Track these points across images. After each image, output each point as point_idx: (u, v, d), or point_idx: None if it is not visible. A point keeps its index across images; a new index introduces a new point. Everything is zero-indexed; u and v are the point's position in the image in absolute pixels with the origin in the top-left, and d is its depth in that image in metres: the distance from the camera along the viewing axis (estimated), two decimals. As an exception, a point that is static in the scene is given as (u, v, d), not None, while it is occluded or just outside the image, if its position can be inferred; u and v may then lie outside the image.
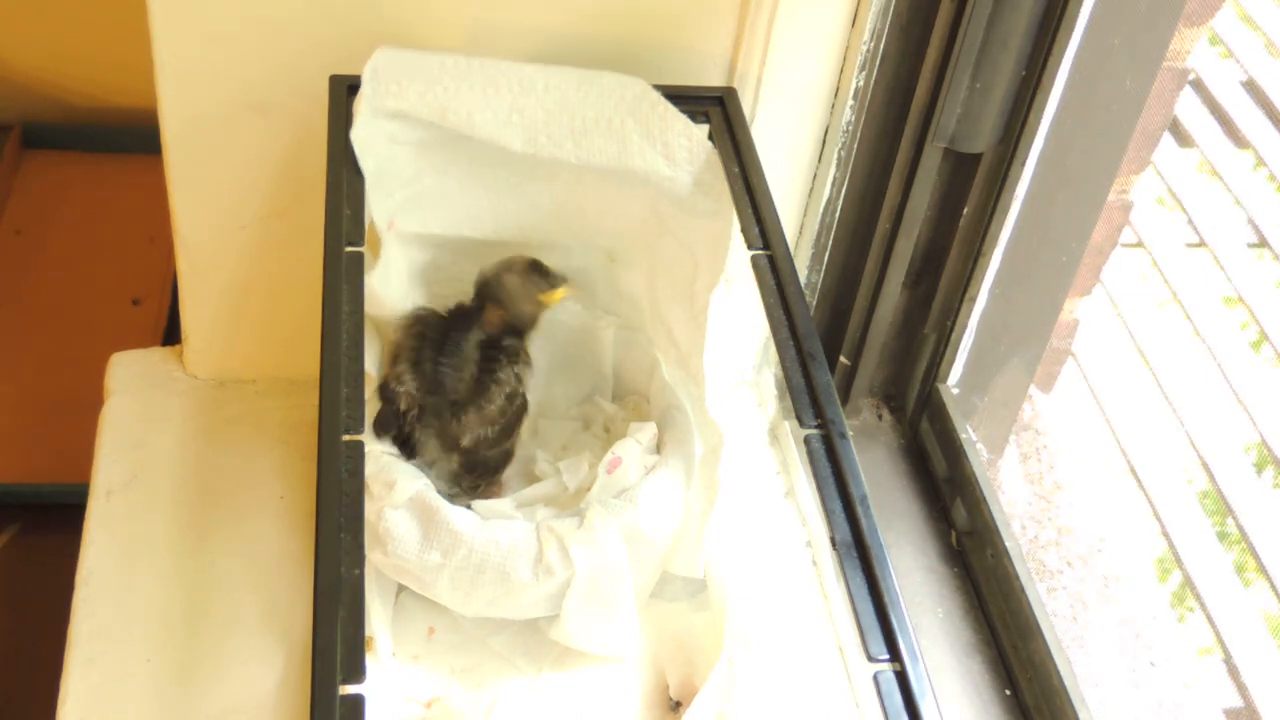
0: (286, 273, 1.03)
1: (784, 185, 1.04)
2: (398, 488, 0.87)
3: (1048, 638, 0.94)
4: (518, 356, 0.94)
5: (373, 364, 0.92)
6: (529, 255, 0.95)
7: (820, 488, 0.75)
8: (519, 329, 0.94)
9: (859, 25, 0.95)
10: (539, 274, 0.94)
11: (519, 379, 0.93)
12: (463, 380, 0.91)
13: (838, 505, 0.74)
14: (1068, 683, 0.91)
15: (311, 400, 0.75)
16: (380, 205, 0.91)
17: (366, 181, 0.85)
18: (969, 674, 0.97)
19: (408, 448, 0.91)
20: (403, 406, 0.90)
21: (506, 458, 0.95)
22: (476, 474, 0.92)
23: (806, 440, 0.77)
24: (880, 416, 1.17)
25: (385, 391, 0.91)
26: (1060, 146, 1.00)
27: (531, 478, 1.00)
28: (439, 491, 0.89)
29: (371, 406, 0.91)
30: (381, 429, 0.90)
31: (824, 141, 1.02)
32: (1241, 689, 1.42)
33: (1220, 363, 1.76)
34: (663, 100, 0.91)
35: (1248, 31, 2.17)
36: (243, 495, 1.02)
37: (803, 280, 1.09)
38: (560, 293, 0.94)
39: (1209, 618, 1.50)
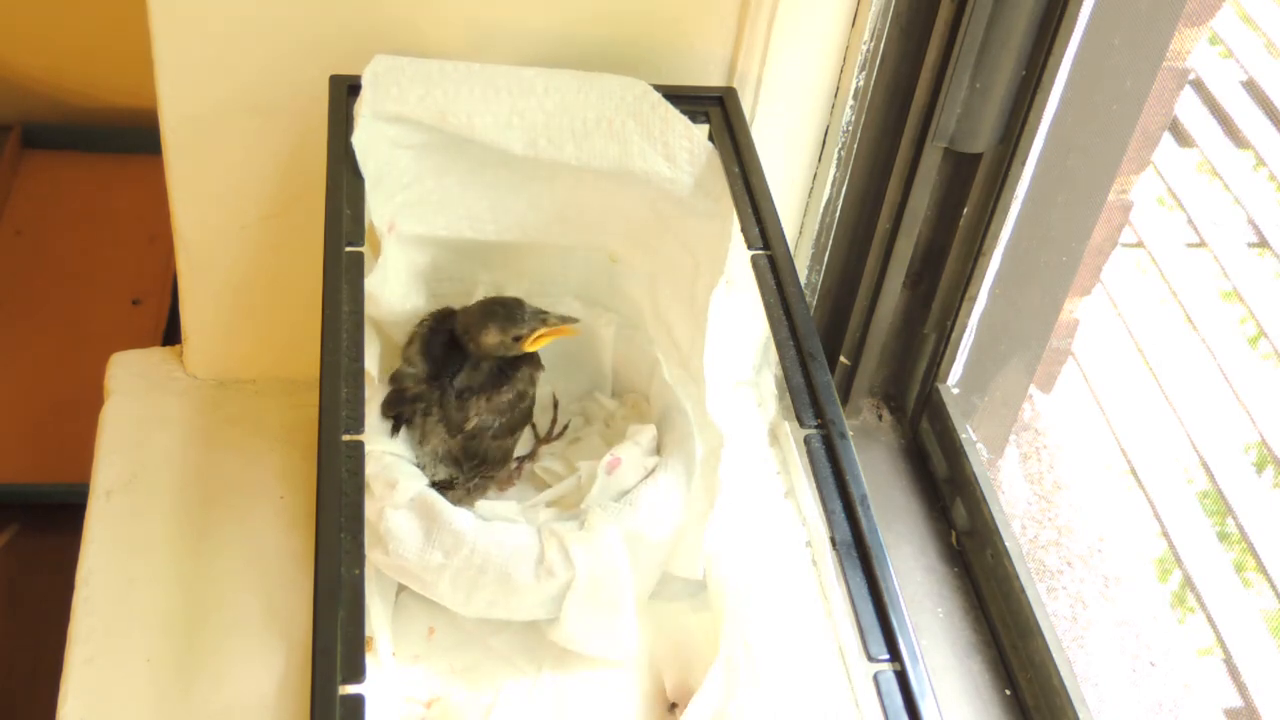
0: (286, 273, 1.03)
1: (784, 185, 1.04)
2: (400, 488, 0.87)
3: (1048, 638, 0.94)
4: (536, 362, 0.95)
5: (373, 364, 0.92)
6: (505, 296, 0.93)
7: (820, 488, 0.75)
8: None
9: (859, 25, 0.95)
10: (514, 324, 0.91)
11: (531, 381, 0.94)
12: (480, 369, 0.92)
13: (838, 505, 0.74)
14: (1068, 683, 0.91)
15: (311, 400, 0.75)
16: (380, 208, 0.91)
17: (367, 185, 0.85)
18: (969, 674, 0.97)
19: (404, 428, 0.91)
20: (408, 385, 0.91)
21: (505, 456, 0.95)
22: (475, 462, 0.92)
23: (806, 440, 0.77)
24: (880, 416, 1.17)
25: (396, 375, 0.92)
26: (1060, 146, 1.00)
27: (533, 479, 1.00)
28: (434, 478, 0.90)
29: (373, 406, 0.91)
30: (387, 408, 0.91)
31: (824, 141, 1.02)
32: (1241, 689, 1.42)
33: (1220, 363, 1.76)
34: (663, 101, 0.91)
35: (1248, 31, 2.17)
36: (243, 495, 1.02)
37: (803, 280, 1.09)
38: (539, 339, 0.92)
39: (1209, 618, 1.50)
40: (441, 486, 0.91)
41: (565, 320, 0.93)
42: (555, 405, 1.05)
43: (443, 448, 0.91)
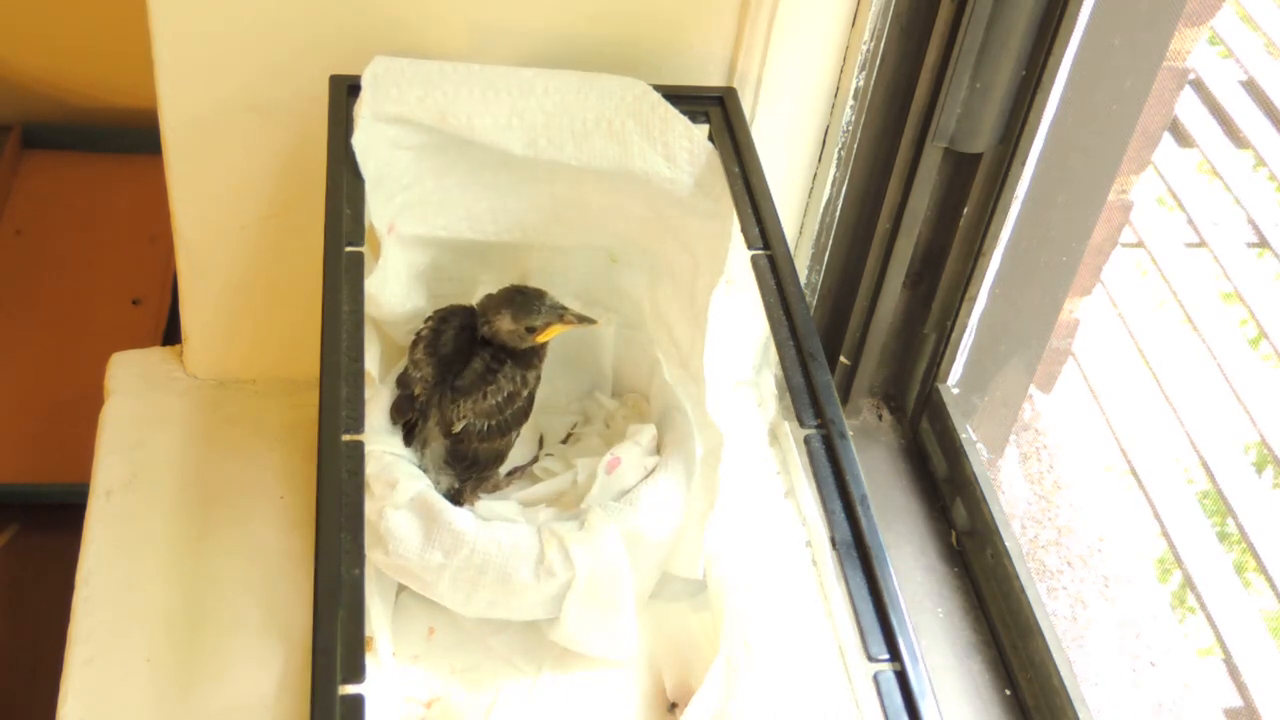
0: (286, 273, 1.03)
1: (784, 185, 1.04)
2: (400, 488, 0.87)
3: (1048, 638, 0.94)
4: (527, 361, 0.94)
5: (373, 364, 0.92)
6: (529, 286, 0.93)
7: (820, 488, 0.75)
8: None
9: (859, 25, 0.95)
10: (529, 315, 0.92)
11: (523, 381, 0.93)
12: (470, 369, 0.91)
13: (838, 505, 0.74)
14: (1068, 683, 0.91)
15: (311, 400, 0.75)
16: (380, 209, 0.91)
17: (367, 186, 0.85)
18: (969, 674, 0.97)
19: (413, 433, 0.91)
20: (416, 391, 0.90)
21: (498, 457, 0.95)
22: (465, 464, 0.92)
23: (806, 440, 0.77)
24: (880, 416, 1.17)
25: (403, 378, 0.92)
26: (1060, 146, 1.00)
27: (533, 478, 1.01)
28: (437, 488, 0.90)
29: (373, 406, 0.91)
30: (396, 414, 0.91)
31: (824, 141, 1.02)
32: (1241, 689, 1.42)
33: (1220, 363, 1.76)
34: (663, 102, 0.91)
35: (1248, 31, 2.17)
36: (243, 495, 1.02)
37: (803, 280, 1.09)
38: (554, 331, 0.93)
39: (1209, 618, 1.50)
40: (450, 498, 0.91)
41: (583, 319, 0.93)
42: (575, 426, 1.05)
43: (440, 450, 0.91)
